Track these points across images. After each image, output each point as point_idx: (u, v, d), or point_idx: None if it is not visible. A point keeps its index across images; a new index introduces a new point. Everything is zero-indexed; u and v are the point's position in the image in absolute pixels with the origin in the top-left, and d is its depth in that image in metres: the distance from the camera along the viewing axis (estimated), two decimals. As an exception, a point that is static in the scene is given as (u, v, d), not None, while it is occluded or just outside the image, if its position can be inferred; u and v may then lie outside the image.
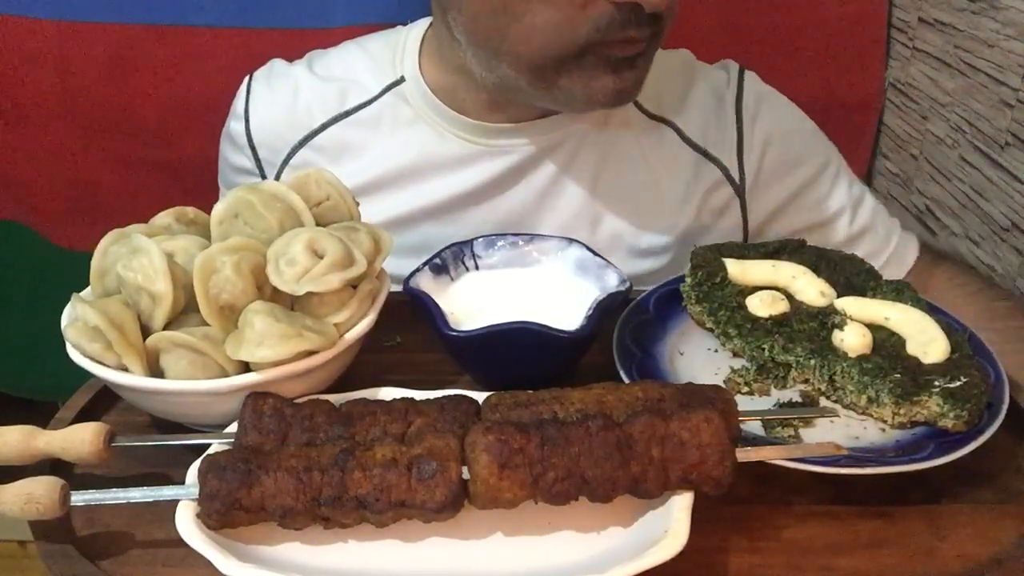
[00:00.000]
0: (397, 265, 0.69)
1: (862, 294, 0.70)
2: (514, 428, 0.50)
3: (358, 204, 0.68)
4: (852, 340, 0.64)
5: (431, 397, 0.57)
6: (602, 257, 0.70)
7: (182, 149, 1.13)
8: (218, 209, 0.63)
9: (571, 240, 0.72)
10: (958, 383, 0.59)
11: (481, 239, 0.73)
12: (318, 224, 0.64)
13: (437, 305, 0.64)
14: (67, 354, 0.58)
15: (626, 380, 0.63)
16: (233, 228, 0.62)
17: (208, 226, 0.64)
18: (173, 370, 0.57)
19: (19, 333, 1.25)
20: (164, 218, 0.66)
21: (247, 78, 0.91)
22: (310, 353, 0.58)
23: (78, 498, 0.51)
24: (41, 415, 0.62)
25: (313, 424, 0.55)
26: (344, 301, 0.60)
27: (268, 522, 0.51)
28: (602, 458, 0.50)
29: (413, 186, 0.85)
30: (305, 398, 0.58)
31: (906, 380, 0.60)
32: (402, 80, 0.86)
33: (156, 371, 0.57)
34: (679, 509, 0.50)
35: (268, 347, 0.55)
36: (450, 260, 0.71)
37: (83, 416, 0.64)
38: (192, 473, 0.53)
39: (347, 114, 0.87)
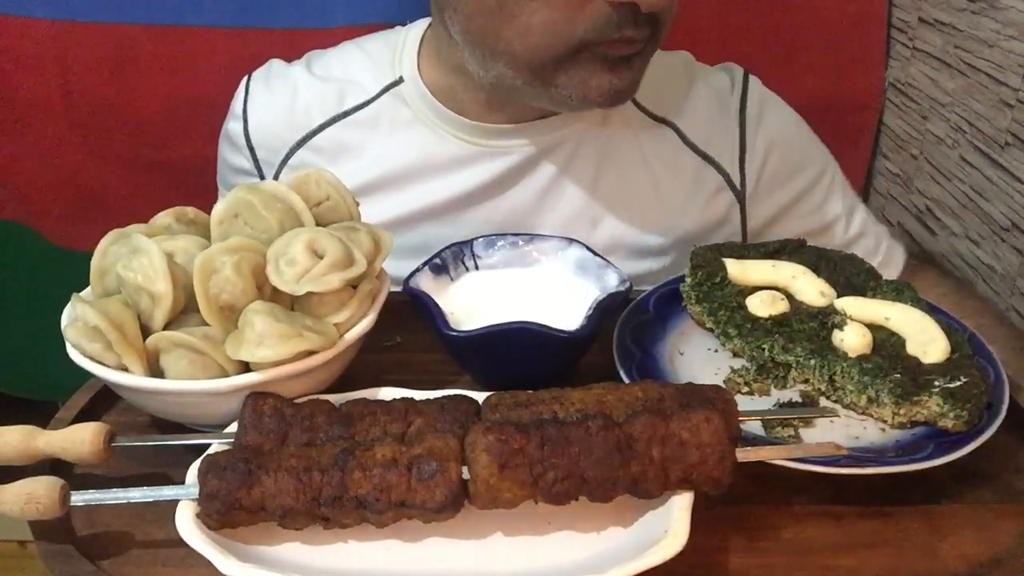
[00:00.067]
0: (397, 266, 0.69)
1: (862, 294, 0.70)
2: (514, 428, 0.50)
3: (358, 204, 0.68)
4: (852, 340, 0.64)
5: (431, 397, 0.57)
6: (602, 257, 0.70)
7: (182, 149, 1.13)
8: (218, 209, 0.63)
9: (571, 240, 0.72)
10: (958, 383, 0.59)
11: (481, 239, 0.73)
12: (318, 224, 0.64)
13: (437, 305, 0.64)
14: (67, 354, 0.58)
15: (626, 380, 0.63)
16: (233, 228, 0.62)
17: (208, 226, 0.64)
18: (173, 370, 0.57)
19: (19, 333, 1.25)
20: (164, 218, 0.66)
21: (245, 78, 0.91)
22: (310, 353, 0.58)
23: (78, 498, 0.51)
24: (41, 415, 0.62)
25: (313, 424, 0.55)
26: (344, 301, 0.60)
27: (268, 522, 0.51)
28: (602, 458, 0.50)
29: (412, 187, 0.85)
30: (305, 398, 0.58)
31: (906, 380, 0.60)
32: (401, 81, 0.86)
33: (156, 371, 0.57)
34: (679, 509, 0.50)
35: (268, 347, 0.55)
36: (450, 260, 0.71)
37: (83, 416, 0.64)
38: (192, 473, 0.53)
39: (345, 115, 0.87)
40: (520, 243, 0.73)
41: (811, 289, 0.70)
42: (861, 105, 1.18)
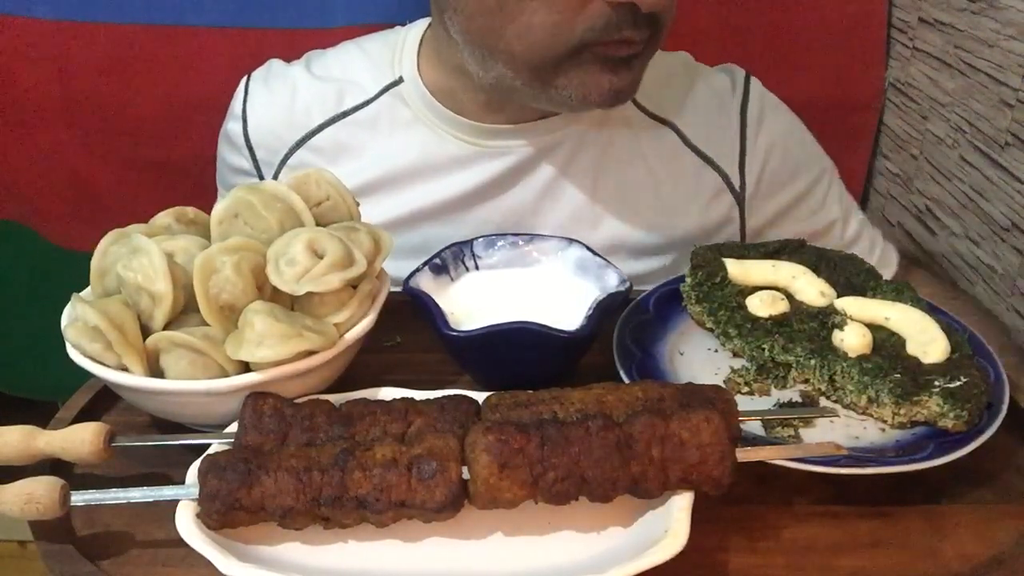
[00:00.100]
0: (397, 266, 0.69)
1: (862, 294, 0.70)
2: (514, 428, 0.50)
3: (358, 204, 0.68)
4: (852, 340, 0.64)
5: (431, 397, 0.57)
6: (602, 257, 0.70)
7: (182, 149, 1.13)
8: (218, 209, 0.63)
9: (571, 240, 0.72)
10: (958, 383, 0.59)
11: (481, 239, 0.73)
12: (318, 224, 0.64)
13: (437, 305, 0.64)
14: (67, 354, 0.58)
15: (626, 380, 0.63)
16: (233, 228, 0.62)
17: (208, 226, 0.64)
18: (173, 370, 0.57)
19: (19, 333, 1.25)
20: (164, 218, 0.66)
21: (244, 78, 0.91)
22: (310, 353, 0.58)
23: (78, 498, 0.51)
24: (41, 415, 0.62)
25: (313, 424, 0.55)
26: (344, 301, 0.60)
27: (268, 522, 0.51)
28: (602, 458, 0.50)
29: (412, 187, 0.85)
30: (305, 398, 0.58)
31: (906, 380, 0.60)
32: (400, 81, 0.86)
33: (156, 371, 0.57)
34: (679, 509, 0.50)
35: (268, 347, 0.55)
36: (450, 260, 0.71)
37: (83, 416, 0.64)
38: (192, 473, 0.53)
39: (345, 115, 0.86)
40: (520, 243, 0.73)
41: (811, 289, 0.70)
42: (861, 105, 1.18)
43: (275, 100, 0.88)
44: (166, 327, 0.58)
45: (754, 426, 0.61)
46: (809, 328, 0.66)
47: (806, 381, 0.65)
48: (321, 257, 0.59)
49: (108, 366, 0.57)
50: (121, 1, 1.07)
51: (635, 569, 0.46)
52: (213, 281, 0.58)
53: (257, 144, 0.88)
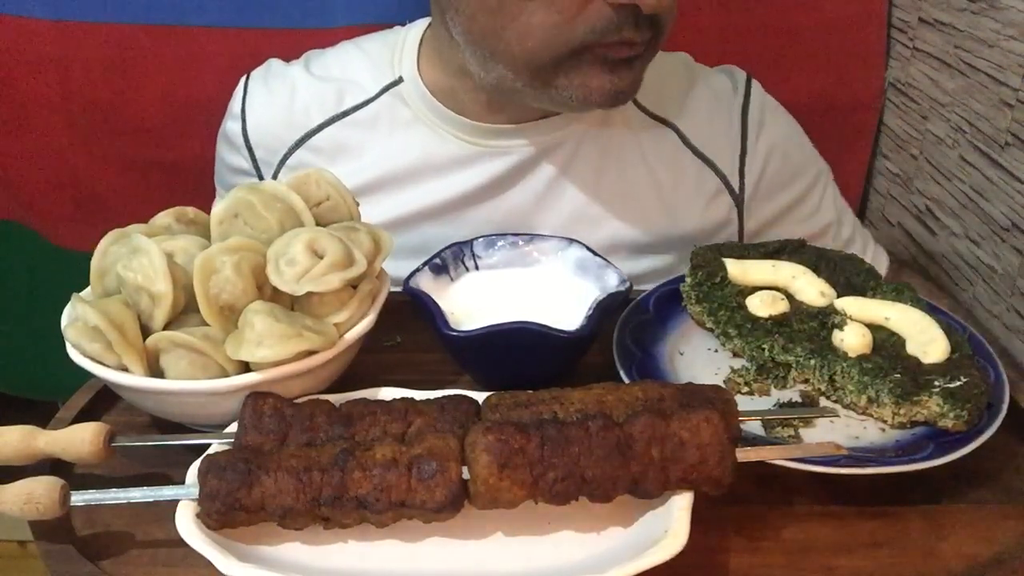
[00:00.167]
0: (397, 266, 0.69)
1: (862, 294, 0.70)
2: (514, 428, 0.50)
3: (358, 204, 0.68)
4: (852, 340, 0.64)
5: (431, 397, 0.57)
6: (602, 257, 0.70)
7: (182, 149, 1.13)
8: (218, 209, 0.63)
9: (571, 240, 0.72)
10: (958, 383, 0.59)
11: (481, 239, 0.73)
12: (318, 224, 0.64)
13: (437, 305, 0.64)
14: (67, 354, 0.58)
15: (626, 380, 0.63)
16: (233, 228, 0.62)
17: (208, 226, 0.64)
18: (173, 370, 0.57)
19: (19, 333, 1.25)
20: (164, 218, 0.66)
21: (244, 78, 0.91)
22: (310, 353, 0.58)
23: (78, 498, 0.51)
24: (41, 415, 0.62)
25: (313, 424, 0.55)
26: (344, 301, 0.60)
27: (268, 522, 0.51)
28: (602, 458, 0.50)
29: (412, 187, 0.85)
30: (305, 398, 0.58)
31: (906, 380, 0.60)
32: (400, 81, 0.86)
33: (156, 371, 0.57)
34: (679, 509, 0.50)
35: (268, 347, 0.55)
36: (450, 260, 0.71)
37: (83, 416, 0.64)
38: (192, 473, 0.53)
39: (344, 114, 0.86)
40: (520, 243, 0.73)
41: (811, 289, 0.70)
42: (861, 105, 1.18)
43: (274, 100, 0.88)
44: (166, 327, 0.58)
45: (754, 426, 0.61)
46: (809, 328, 0.66)
47: (806, 381, 0.65)
48: (321, 257, 0.59)
49: (108, 366, 0.57)
50: (121, 1, 1.07)
51: (635, 569, 0.46)
52: (213, 281, 0.58)
53: (256, 144, 0.88)
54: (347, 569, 0.51)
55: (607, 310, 0.64)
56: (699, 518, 0.50)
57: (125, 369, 0.56)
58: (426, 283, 0.67)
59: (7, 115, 1.12)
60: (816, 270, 0.72)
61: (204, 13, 1.08)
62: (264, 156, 0.89)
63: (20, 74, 1.09)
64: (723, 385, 0.64)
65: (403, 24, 0.90)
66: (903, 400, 0.59)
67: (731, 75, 0.91)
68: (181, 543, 0.49)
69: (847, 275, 0.72)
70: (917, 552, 0.54)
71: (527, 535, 0.53)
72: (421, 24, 0.87)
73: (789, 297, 0.70)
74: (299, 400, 0.57)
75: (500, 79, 0.75)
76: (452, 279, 0.70)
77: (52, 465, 0.58)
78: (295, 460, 0.51)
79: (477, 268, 0.72)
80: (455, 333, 0.61)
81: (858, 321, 0.66)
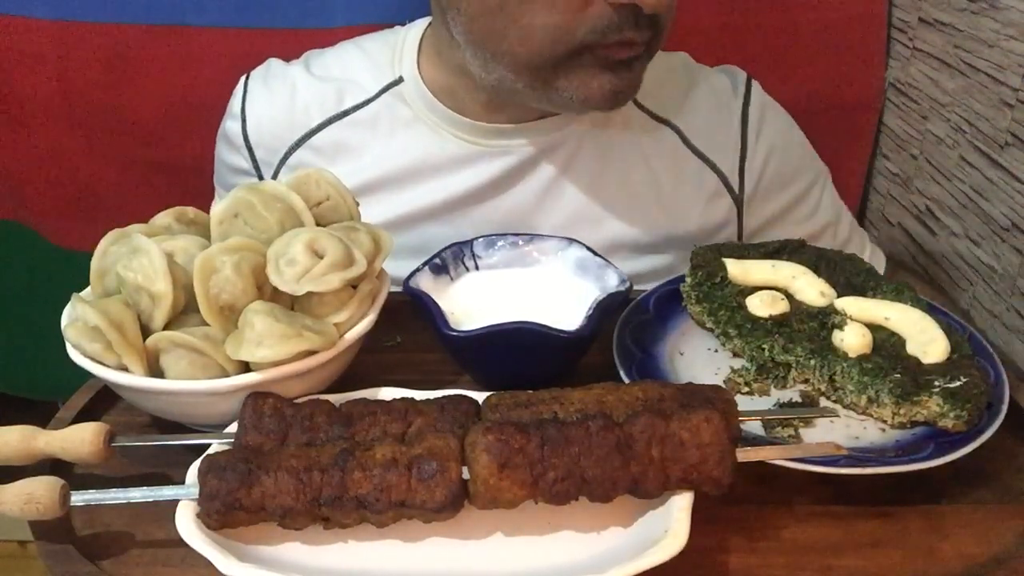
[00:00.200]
0: (397, 266, 0.69)
1: (862, 294, 0.70)
2: (514, 428, 0.50)
3: (358, 204, 0.68)
4: (852, 340, 0.64)
5: (431, 397, 0.57)
6: (602, 257, 0.70)
7: (182, 149, 1.13)
8: (218, 209, 0.63)
9: (571, 240, 0.72)
10: (958, 383, 0.59)
11: (481, 239, 0.73)
12: (318, 224, 0.64)
13: (437, 305, 0.64)
14: (67, 354, 0.58)
15: (626, 380, 0.63)
16: (233, 228, 0.62)
17: (208, 226, 0.64)
18: (173, 370, 0.57)
19: (19, 333, 1.25)
20: (164, 218, 0.66)
21: (243, 78, 0.90)
22: (310, 353, 0.58)
23: (78, 498, 0.51)
24: (41, 415, 0.62)
25: (313, 424, 0.55)
26: (344, 301, 0.60)
27: (268, 522, 0.51)
28: (602, 458, 0.50)
29: (412, 187, 0.85)
30: (305, 398, 0.58)
31: (906, 380, 0.60)
32: (400, 80, 0.86)
33: (156, 371, 0.57)
34: (679, 509, 0.50)
35: (268, 347, 0.55)
36: (450, 260, 0.71)
37: (83, 416, 0.64)
38: (192, 473, 0.53)
39: (344, 114, 0.86)
40: (520, 243, 0.73)
41: (811, 289, 0.70)
42: (861, 105, 1.18)
43: (274, 100, 0.88)
44: (166, 327, 0.58)
45: (754, 426, 0.61)
46: (809, 328, 0.66)
47: (806, 381, 0.65)
48: (321, 257, 0.59)
49: (108, 366, 0.57)
50: (121, 1, 1.07)
51: (635, 569, 0.46)
52: (213, 281, 0.58)
53: (256, 144, 0.88)
54: (347, 569, 0.51)
55: (607, 310, 0.64)
56: (699, 518, 0.50)
57: (125, 369, 0.56)
58: (426, 283, 0.67)
59: (7, 115, 1.12)
60: (816, 270, 0.72)
61: (204, 13, 1.08)
62: (264, 156, 0.89)
63: (20, 74, 1.09)
64: (723, 385, 0.64)
65: (403, 24, 0.90)
66: (903, 400, 0.59)
67: (731, 75, 0.91)
68: (181, 543, 0.49)
69: (847, 275, 0.72)
70: (917, 552, 0.54)
71: (527, 535, 0.53)
72: (421, 24, 0.87)
73: (789, 297, 0.70)
74: (299, 400, 0.57)
75: (501, 79, 0.75)
76: (452, 279, 0.70)
77: (52, 465, 0.58)
78: (295, 460, 0.51)
79: (477, 268, 0.72)
80: (455, 333, 0.61)
81: (858, 321, 0.66)
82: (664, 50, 0.78)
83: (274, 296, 0.60)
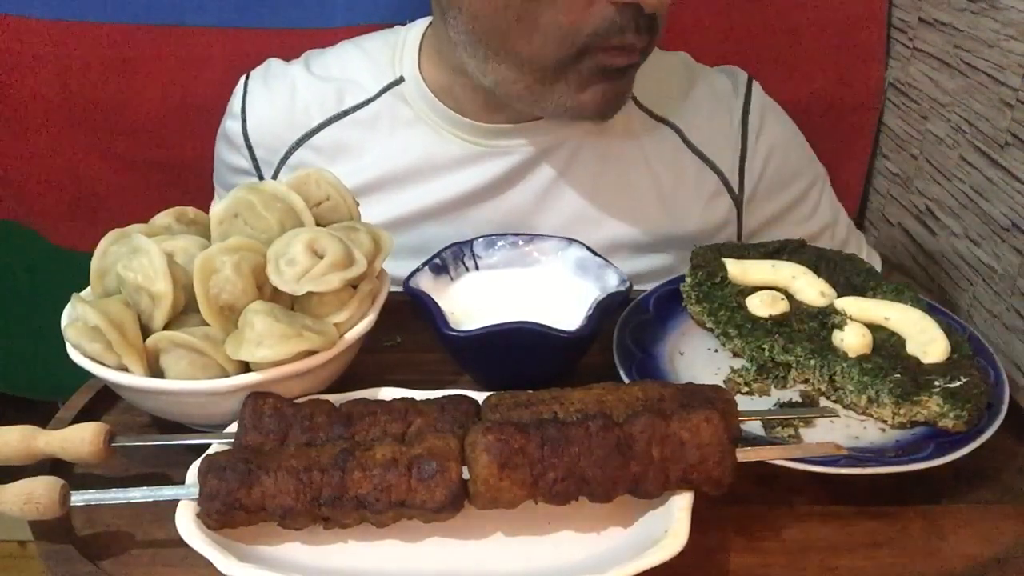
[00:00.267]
0: (397, 266, 0.69)
1: (862, 294, 0.70)
2: (514, 428, 0.50)
3: (358, 204, 0.68)
4: (852, 340, 0.64)
5: (431, 397, 0.57)
6: (602, 257, 0.70)
7: (182, 149, 1.13)
8: (218, 209, 0.63)
9: (571, 240, 0.72)
10: (958, 383, 0.59)
11: (481, 239, 0.73)
12: (318, 224, 0.64)
13: (437, 305, 0.64)
14: (67, 354, 0.58)
15: (626, 380, 0.63)
16: (233, 228, 0.62)
17: (208, 226, 0.64)
18: (173, 370, 0.57)
19: (19, 333, 1.25)
20: (164, 218, 0.66)
21: (243, 77, 0.90)
22: (310, 353, 0.58)
23: (78, 498, 0.51)
24: (41, 415, 0.62)
25: (313, 424, 0.55)
26: (344, 301, 0.60)
27: (268, 522, 0.51)
28: (602, 458, 0.50)
29: (413, 187, 0.85)
30: (305, 398, 0.58)
31: (906, 380, 0.60)
32: (401, 80, 0.86)
33: (156, 371, 0.57)
34: (679, 509, 0.50)
35: (268, 347, 0.55)
36: (450, 260, 0.71)
37: (83, 416, 0.64)
38: (192, 473, 0.53)
39: (345, 114, 0.86)
40: (520, 243, 0.73)
41: (811, 289, 0.70)
42: (861, 105, 1.18)
43: (274, 99, 0.88)
44: (166, 327, 0.58)
45: (754, 426, 0.61)
46: (809, 328, 0.66)
47: (806, 381, 0.65)
48: (321, 257, 0.59)
49: (108, 366, 0.57)
50: (121, 1, 1.07)
51: (635, 569, 0.46)
52: (213, 281, 0.58)
53: (256, 143, 0.88)
54: (347, 569, 0.51)
55: (607, 310, 0.64)
56: (699, 518, 0.50)
57: (125, 369, 0.56)
58: (426, 283, 0.67)
59: (7, 115, 1.12)
60: (816, 270, 0.72)
61: (204, 13, 1.08)
62: (264, 155, 0.89)
63: (20, 74, 1.09)
64: (723, 385, 0.64)
65: (403, 24, 0.90)
66: (903, 400, 0.59)
67: (732, 76, 0.91)
68: (181, 543, 0.49)
69: (847, 275, 0.72)
70: (917, 552, 0.54)
71: (527, 535, 0.53)
72: (422, 23, 0.87)
73: (789, 297, 0.70)
74: (299, 400, 0.57)
75: (498, 81, 0.75)
76: (452, 279, 0.70)
77: (52, 465, 0.58)
78: (295, 460, 0.51)
79: (477, 268, 0.72)
80: (455, 333, 0.61)
81: (858, 321, 0.66)
82: (664, 50, 0.78)
83: (274, 296, 0.60)
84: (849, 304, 0.68)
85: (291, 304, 0.60)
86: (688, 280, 0.73)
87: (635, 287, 0.68)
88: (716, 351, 0.70)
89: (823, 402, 0.64)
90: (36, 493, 0.51)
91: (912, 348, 0.64)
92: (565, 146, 0.84)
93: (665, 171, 0.86)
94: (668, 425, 0.51)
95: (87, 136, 1.13)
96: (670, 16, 0.74)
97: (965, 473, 0.58)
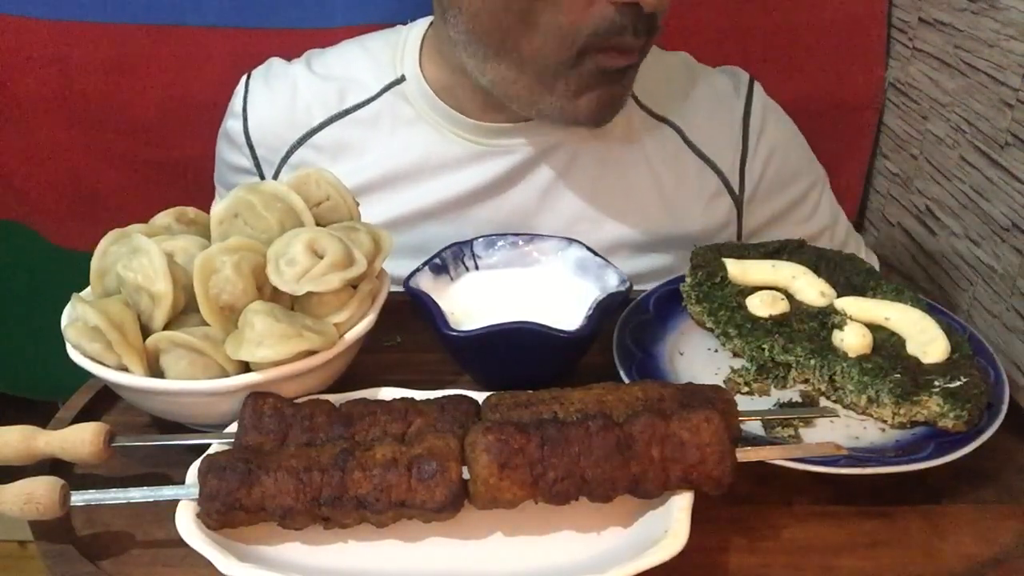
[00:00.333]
0: (397, 266, 0.69)
1: (862, 294, 0.70)
2: (514, 428, 0.50)
3: (358, 204, 0.68)
4: (852, 340, 0.64)
5: (431, 397, 0.57)
6: (602, 257, 0.70)
7: (182, 149, 1.13)
8: (218, 209, 0.63)
9: (571, 240, 0.72)
10: (958, 383, 0.59)
11: (481, 239, 0.73)
12: (318, 224, 0.64)
13: (437, 305, 0.64)
14: (67, 354, 0.58)
15: (626, 380, 0.63)
16: (233, 228, 0.62)
17: (208, 226, 0.64)
18: (173, 370, 0.57)
19: (19, 333, 1.25)
20: (164, 218, 0.66)
21: (245, 77, 0.90)
22: (310, 353, 0.58)
23: (78, 498, 0.51)
24: (41, 415, 0.62)
25: (313, 424, 0.55)
26: (344, 301, 0.60)
27: (268, 522, 0.51)
28: (602, 458, 0.50)
29: (413, 186, 0.85)
30: (305, 398, 0.58)
31: (906, 380, 0.60)
32: (402, 79, 0.86)
33: (156, 371, 0.57)
34: (679, 509, 0.50)
35: (268, 347, 0.55)
36: (450, 260, 0.71)
37: (83, 416, 0.64)
38: (192, 473, 0.53)
39: (346, 113, 0.86)
40: (520, 243, 0.73)
41: (811, 289, 0.70)
42: (861, 105, 1.18)
43: (276, 98, 0.88)
44: (166, 327, 0.58)
45: (754, 426, 0.61)
46: (809, 328, 0.66)
47: (806, 381, 0.65)
48: (321, 257, 0.59)
49: (108, 366, 0.57)
50: (121, 1, 1.07)
51: (635, 569, 0.46)
52: (213, 281, 0.58)
53: (258, 142, 0.88)
54: (347, 569, 0.51)
55: (607, 310, 0.64)
56: (699, 518, 0.50)
57: (125, 369, 0.56)
58: (426, 283, 0.67)
59: (7, 115, 1.12)
60: (816, 270, 0.72)
61: (204, 13, 1.08)
62: (265, 155, 0.89)
63: (20, 74, 1.09)
64: (723, 385, 0.64)
65: (404, 23, 0.90)
66: (903, 400, 0.59)
67: (733, 76, 0.91)
68: (181, 543, 0.49)
69: (847, 275, 0.72)
70: (917, 552, 0.54)
71: (527, 535, 0.53)
72: (423, 23, 0.87)
73: (789, 297, 0.70)
74: (299, 400, 0.57)
75: (497, 81, 0.75)
76: (452, 279, 0.70)
77: (52, 465, 0.58)
78: (295, 460, 0.51)
79: (477, 268, 0.72)
80: (455, 333, 0.61)
81: (858, 321, 0.66)
82: (664, 50, 0.78)
83: (274, 296, 0.60)
84: (849, 304, 0.68)
85: (291, 304, 0.60)
86: (688, 280, 0.73)
87: (635, 287, 0.68)
88: (716, 351, 0.70)
89: (823, 402, 0.64)
90: (36, 493, 0.51)
91: (912, 348, 0.64)
92: (566, 146, 0.84)
93: (666, 171, 0.86)
94: (668, 425, 0.51)
95: (87, 136, 1.13)
96: (670, 16, 0.74)
97: (965, 473, 0.58)
